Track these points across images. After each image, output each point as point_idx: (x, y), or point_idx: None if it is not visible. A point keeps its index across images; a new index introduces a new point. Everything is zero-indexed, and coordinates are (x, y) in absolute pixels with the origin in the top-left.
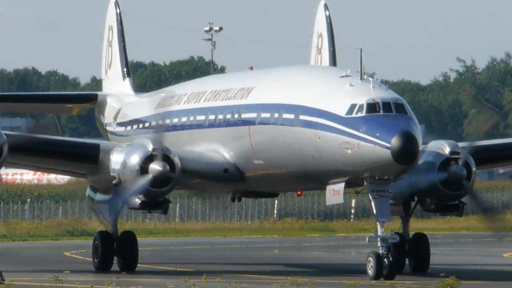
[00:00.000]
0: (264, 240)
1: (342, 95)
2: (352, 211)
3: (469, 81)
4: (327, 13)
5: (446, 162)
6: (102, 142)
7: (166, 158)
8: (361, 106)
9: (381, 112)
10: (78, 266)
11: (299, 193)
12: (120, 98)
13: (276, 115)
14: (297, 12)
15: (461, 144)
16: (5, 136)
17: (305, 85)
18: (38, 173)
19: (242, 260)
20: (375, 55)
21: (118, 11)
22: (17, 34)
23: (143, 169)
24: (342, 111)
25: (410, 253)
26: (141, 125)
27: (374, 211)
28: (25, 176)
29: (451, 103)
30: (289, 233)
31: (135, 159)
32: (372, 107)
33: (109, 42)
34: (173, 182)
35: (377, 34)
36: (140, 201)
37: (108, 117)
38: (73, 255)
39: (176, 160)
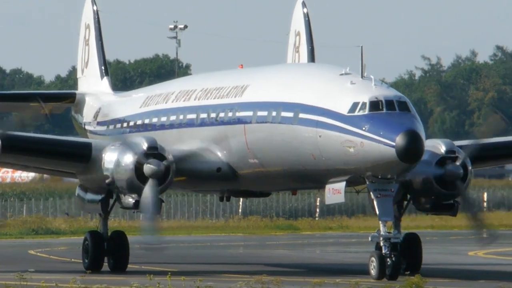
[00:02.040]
0: (229, 239)
1: (343, 93)
2: (317, 209)
3: (434, 79)
4: (305, 10)
5: (442, 161)
6: (94, 141)
7: (161, 157)
8: (363, 104)
9: (384, 110)
10: (43, 265)
11: (294, 193)
12: (99, 97)
13: (274, 113)
14: (268, 10)
15: (457, 143)
16: None
17: (304, 83)
18: (3, 170)
19: (207, 259)
20: (342, 52)
21: (95, 8)
22: None
23: (138, 168)
24: (344, 109)
25: (402, 253)
26: (125, 124)
27: (377, 211)
28: None
29: (416, 101)
30: (254, 232)
31: (129, 158)
32: (375, 105)
33: (86, 41)
34: (168, 181)
35: (344, 32)
36: (134, 201)
37: (87, 116)
38: (38, 254)
39: (171, 159)
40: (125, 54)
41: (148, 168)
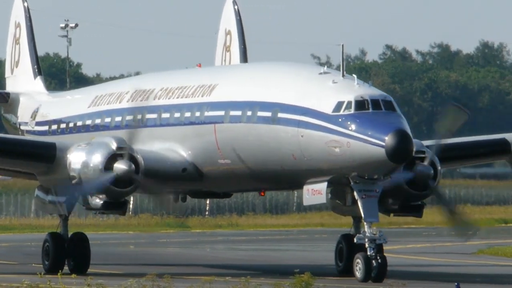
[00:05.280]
0: (119, 236)
1: (326, 92)
2: (207, 207)
3: None
4: (236, 7)
5: (411, 162)
6: (57, 141)
7: (131, 157)
8: (349, 103)
9: (371, 110)
10: None
11: (262, 193)
12: (34, 97)
13: (249, 113)
14: (171, 4)
15: (425, 143)
16: None
17: (281, 82)
18: None
19: (97, 257)
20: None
21: (25, 5)
22: None
23: (107, 168)
24: (328, 109)
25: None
26: (71, 124)
27: (361, 212)
28: None
29: None
30: (144, 229)
31: (97, 158)
32: (360, 104)
33: (16, 39)
34: (137, 182)
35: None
36: (102, 202)
37: (22, 116)
38: None
39: (140, 159)
40: None
41: (118, 168)
